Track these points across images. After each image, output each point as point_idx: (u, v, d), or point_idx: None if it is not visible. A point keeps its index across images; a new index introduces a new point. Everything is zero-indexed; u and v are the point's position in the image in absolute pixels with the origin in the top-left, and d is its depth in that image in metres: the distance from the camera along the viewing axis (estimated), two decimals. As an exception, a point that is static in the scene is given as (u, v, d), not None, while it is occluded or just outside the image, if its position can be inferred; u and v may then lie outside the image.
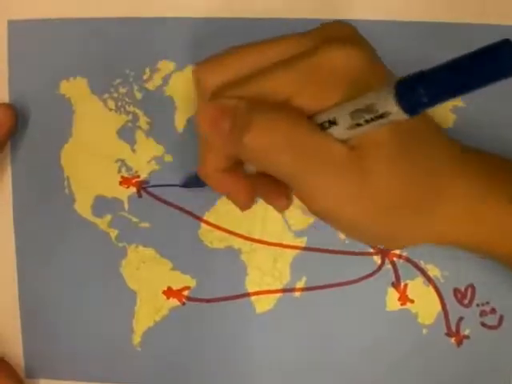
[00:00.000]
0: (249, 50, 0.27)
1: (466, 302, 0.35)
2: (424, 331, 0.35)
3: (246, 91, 0.26)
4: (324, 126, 0.25)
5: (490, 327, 0.35)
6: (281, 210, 0.31)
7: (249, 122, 0.24)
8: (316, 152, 0.24)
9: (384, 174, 0.25)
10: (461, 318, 0.35)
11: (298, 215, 0.35)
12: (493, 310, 0.35)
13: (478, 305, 0.35)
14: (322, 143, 0.25)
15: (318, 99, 0.25)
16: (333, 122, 0.24)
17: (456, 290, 0.35)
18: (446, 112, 0.35)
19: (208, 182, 0.29)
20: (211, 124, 0.26)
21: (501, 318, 0.35)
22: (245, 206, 0.29)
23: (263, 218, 0.36)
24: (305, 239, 0.35)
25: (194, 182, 0.34)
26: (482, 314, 0.35)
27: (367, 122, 0.23)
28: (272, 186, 0.30)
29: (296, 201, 0.35)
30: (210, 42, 0.35)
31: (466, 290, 0.35)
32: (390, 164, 0.25)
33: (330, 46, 0.25)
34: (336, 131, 0.25)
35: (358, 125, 0.23)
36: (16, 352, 0.37)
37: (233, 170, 0.28)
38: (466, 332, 0.35)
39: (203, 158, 0.29)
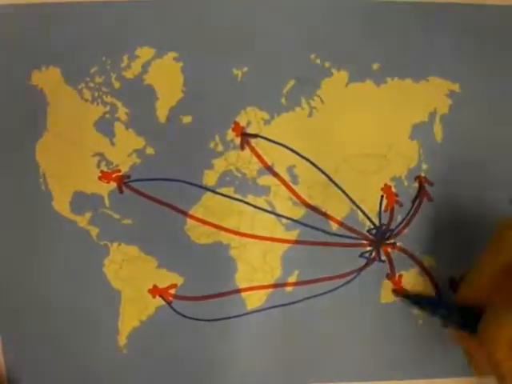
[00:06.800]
0: None
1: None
2: (420, 322, 0.34)
3: None
4: None
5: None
6: None
7: None
8: None
9: None
10: (457, 308, 0.34)
11: (288, 208, 0.34)
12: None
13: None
14: None
15: None
16: None
17: (451, 280, 0.34)
18: (441, 97, 0.34)
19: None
20: None
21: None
22: None
23: (252, 211, 0.34)
24: (296, 232, 0.34)
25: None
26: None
27: None
28: None
29: (286, 193, 0.34)
30: (193, 27, 0.33)
31: (460, 278, 0.34)
32: None
33: None
34: None
35: None
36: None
37: None
38: (462, 322, 0.34)
39: None
